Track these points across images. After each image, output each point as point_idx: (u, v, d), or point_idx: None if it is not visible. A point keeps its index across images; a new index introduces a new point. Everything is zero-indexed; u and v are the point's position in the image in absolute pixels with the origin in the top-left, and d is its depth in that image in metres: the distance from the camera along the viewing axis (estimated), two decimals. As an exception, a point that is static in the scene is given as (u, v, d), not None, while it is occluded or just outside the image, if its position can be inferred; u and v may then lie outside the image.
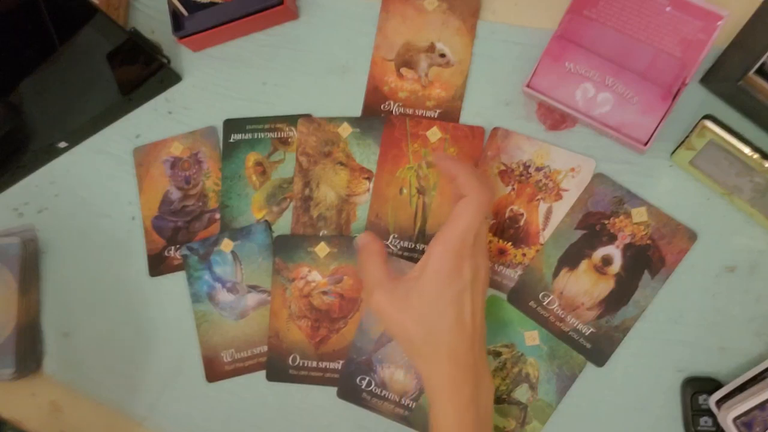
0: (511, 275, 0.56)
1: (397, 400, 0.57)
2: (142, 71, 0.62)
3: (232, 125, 0.63)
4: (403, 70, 0.60)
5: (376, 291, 0.49)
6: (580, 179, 0.56)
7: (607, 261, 0.54)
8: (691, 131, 0.51)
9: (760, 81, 0.47)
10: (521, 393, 0.55)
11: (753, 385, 0.49)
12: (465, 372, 0.47)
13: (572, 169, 0.56)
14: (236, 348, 0.60)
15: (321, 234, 0.60)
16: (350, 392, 0.57)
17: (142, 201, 0.64)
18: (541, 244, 0.56)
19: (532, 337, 0.55)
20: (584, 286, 0.55)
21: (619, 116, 0.53)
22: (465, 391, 0.47)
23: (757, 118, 0.53)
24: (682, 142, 0.52)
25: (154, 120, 0.65)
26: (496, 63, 0.59)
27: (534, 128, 0.57)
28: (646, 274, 0.54)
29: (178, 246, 0.62)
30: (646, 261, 0.54)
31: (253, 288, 0.60)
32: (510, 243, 0.56)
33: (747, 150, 0.49)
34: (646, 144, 0.52)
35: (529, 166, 0.57)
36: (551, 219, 0.56)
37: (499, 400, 0.55)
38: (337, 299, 0.59)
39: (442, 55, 0.60)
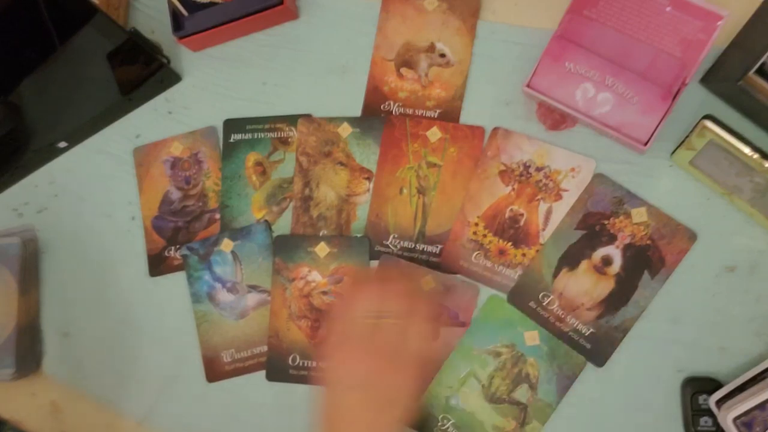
0: (511, 275, 0.56)
1: (397, 400, 0.56)
2: (142, 71, 0.62)
3: (232, 125, 0.63)
4: (403, 70, 0.60)
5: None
6: (580, 179, 0.56)
7: (607, 261, 0.54)
8: (691, 131, 0.51)
9: (760, 81, 0.47)
10: (521, 393, 0.55)
11: (753, 385, 0.49)
12: None
13: (572, 169, 0.56)
14: (236, 348, 0.60)
15: (321, 234, 0.60)
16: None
17: (142, 201, 0.64)
18: (541, 244, 0.56)
19: (532, 337, 0.55)
20: (584, 287, 0.55)
21: (619, 116, 0.53)
22: None
23: (757, 118, 0.53)
24: (682, 142, 0.52)
25: (154, 120, 0.65)
26: (496, 63, 0.59)
27: (534, 128, 0.57)
28: (646, 275, 0.54)
29: (178, 246, 0.62)
30: (646, 261, 0.54)
31: (253, 288, 0.60)
32: (510, 243, 0.56)
33: (747, 150, 0.49)
34: (646, 144, 0.52)
35: (529, 166, 0.57)
36: (551, 219, 0.56)
37: (499, 400, 0.55)
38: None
39: (442, 55, 0.60)
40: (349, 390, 0.46)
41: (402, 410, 0.47)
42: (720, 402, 0.49)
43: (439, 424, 0.56)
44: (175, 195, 0.63)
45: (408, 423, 0.47)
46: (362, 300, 0.48)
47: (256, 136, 0.62)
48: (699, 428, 0.51)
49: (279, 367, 0.59)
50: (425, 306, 0.49)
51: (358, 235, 0.59)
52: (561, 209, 0.56)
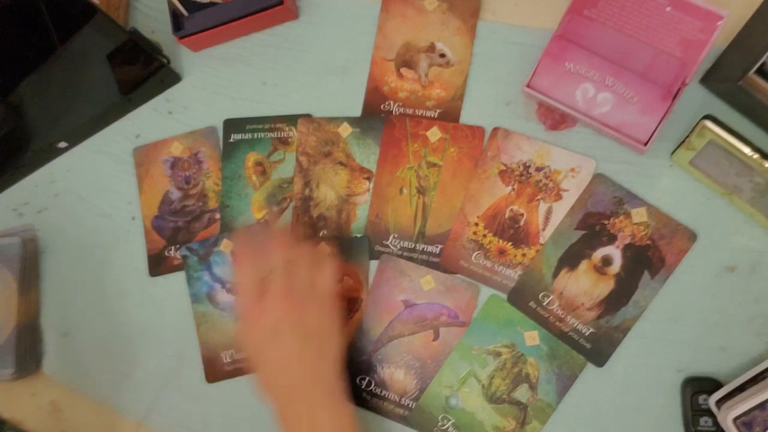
0: (511, 275, 0.56)
1: (397, 400, 0.57)
2: (142, 71, 0.62)
3: (232, 125, 0.63)
4: (403, 70, 0.60)
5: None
6: (580, 179, 0.56)
7: (607, 261, 0.54)
8: (691, 131, 0.51)
9: (760, 81, 0.47)
10: (521, 393, 0.55)
11: (753, 385, 0.49)
12: (288, 416, 0.48)
13: (572, 169, 0.56)
14: (236, 348, 0.60)
15: (321, 234, 0.60)
16: (350, 392, 0.57)
17: (142, 201, 0.64)
18: (541, 244, 0.56)
19: (532, 337, 0.55)
20: (584, 287, 0.55)
21: (619, 116, 0.53)
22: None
23: (757, 118, 0.53)
24: (682, 142, 0.52)
25: (154, 120, 0.65)
26: (496, 63, 0.59)
27: (534, 128, 0.57)
28: (646, 275, 0.54)
29: (178, 246, 0.62)
30: (646, 261, 0.54)
31: (253, 288, 0.60)
32: (510, 243, 0.56)
33: (747, 150, 0.49)
34: (646, 144, 0.52)
35: (529, 166, 0.57)
36: (551, 219, 0.56)
37: (499, 400, 0.55)
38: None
39: (442, 55, 0.60)
40: (277, 338, 0.49)
41: (335, 347, 0.50)
42: (720, 402, 0.49)
43: (439, 424, 0.56)
44: (175, 195, 0.63)
45: (343, 364, 0.51)
46: (255, 259, 0.51)
47: (256, 136, 0.62)
48: (699, 428, 0.51)
49: (279, 367, 0.59)
50: (309, 248, 0.54)
51: (358, 235, 0.59)
52: (561, 209, 0.56)
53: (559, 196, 0.56)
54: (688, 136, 0.52)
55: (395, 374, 0.57)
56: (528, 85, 0.55)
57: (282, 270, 0.50)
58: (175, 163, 0.64)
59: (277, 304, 0.49)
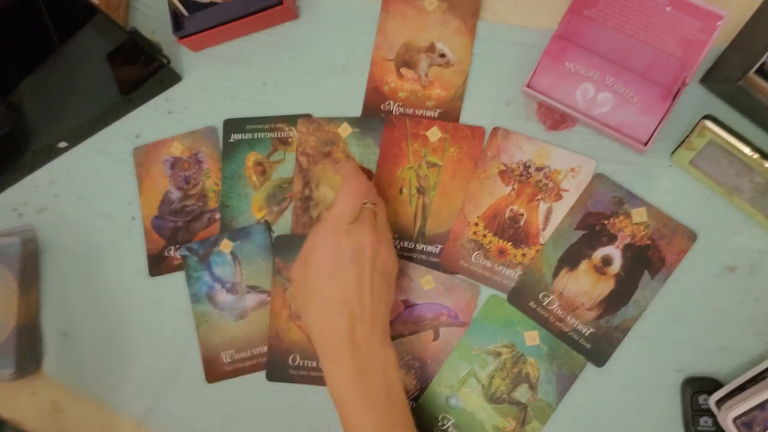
0: (511, 275, 0.56)
1: (397, 400, 0.57)
2: (142, 71, 0.62)
3: (232, 125, 0.63)
4: (403, 70, 0.60)
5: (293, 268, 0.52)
6: (580, 179, 0.56)
7: (607, 261, 0.54)
8: (691, 131, 0.51)
9: (760, 81, 0.47)
10: (521, 393, 0.55)
11: (753, 385, 0.49)
12: (342, 350, 0.47)
13: (572, 169, 0.56)
14: (236, 348, 0.60)
15: (321, 234, 0.60)
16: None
17: (142, 201, 0.64)
18: (541, 244, 0.56)
19: (532, 337, 0.55)
20: (584, 287, 0.55)
21: (619, 116, 0.53)
22: (343, 368, 0.47)
23: (757, 118, 0.53)
24: (682, 142, 0.52)
25: (154, 120, 0.65)
26: (496, 63, 0.59)
27: (534, 128, 0.57)
28: (646, 275, 0.54)
29: (177, 246, 0.62)
30: (646, 261, 0.54)
31: (252, 288, 0.60)
32: (510, 243, 0.56)
33: (747, 150, 0.49)
34: (646, 144, 0.52)
35: (529, 166, 0.57)
36: (551, 219, 0.56)
37: (499, 400, 0.55)
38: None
39: (442, 55, 0.60)
40: (356, 261, 0.49)
41: (392, 293, 0.52)
42: (720, 402, 0.49)
43: (439, 424, 0.56)
44: (175, 195, 0.63)
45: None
46: (361, 188, 0.52)
47: (256, 136, 0.62)
48: (699, 428, 0.51)
49: (279, 367, 0.59)
50: (375, 190, 0.55)
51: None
52: (561, 209, 0.56)
53: (559, 196, 0.56)
54: (688, 136, 0.52)
55: (395, 374, 0.57)
56: (528, 85, 0.55)
57: (373, 209, 0.52)
58: (175, 163, 0.64)
59: (365, 232, 0.49)
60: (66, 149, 0.66)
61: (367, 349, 0.48)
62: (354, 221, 0.50)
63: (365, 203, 0.51)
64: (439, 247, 0.58)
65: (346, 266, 0.49)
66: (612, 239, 0.54)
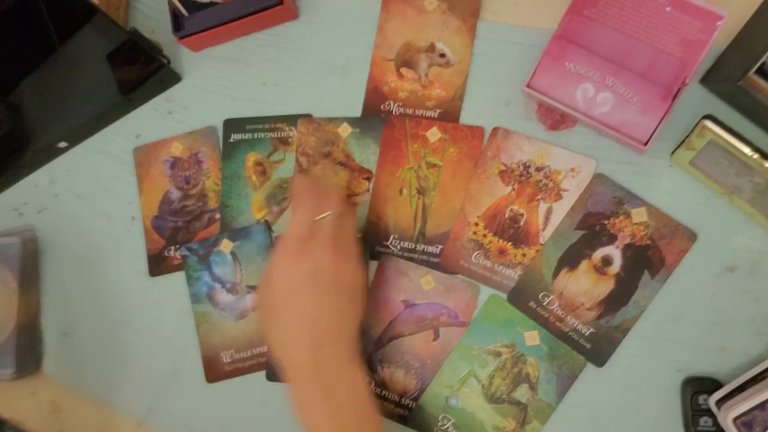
0: (511, 275, 0.56)
1: (397, 400, 0.57)
2: (142, 71, 0.62)
3: (232, 125, 0.63)
4: (403, 70, 0.60)
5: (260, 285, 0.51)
6: (580, 179, 0.56)
7: (607, 261, 0.54)
8: (691, 131, 0.51)
9: (760, 81, 0.47)
10: (521, 393, 0.55)
11: (753, 385, 0.49)
12: (307, 374, 0.46)
13: (572, 169, 0.56)
14: (236, 348, 0.60)
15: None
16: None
17: (142, 201, 0.64)
18: (541, 244, 0.56)
19: (532, 337, 0.55)
20: (584, 287, 0.55)
21: (619, 116, 0.53)
22: (309, 392, 0.46)
23: (757, 118, 0.53)
24: (682, 142, 0.52)
25: (154, 120, 0.65)
26: (496, 63, 0.59)
27: (534, 128, 0.57)
28: (646, 275, 0.54)
29: (177, 246, 0.62)
30: (646, 261, 0.54)
31: (252, 288, 0.60)
32: (510, 243, 0.56)
33: (747, 150, 0.49)
34: (646, 144, 0.52)
35: (529, 166, 0.57)
36: (551, 219, 0.56)
37: (499, 400, 0.55)
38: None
39: (442, 55, 0.60)
40: (315, 283, 0.48)
41: (361, 309, 0.50)
42: (720, 402, 0.49)
43: (439, 424, 0.56)
44: (175, 195, 0.63)
45: (365, 310, 0.51)
46: (313, 203, 0.50)
47: (256, 136, 0.62)
48: (699, 428, 0.51)
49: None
50: (355, 210, 0.54)
51: (358, 236, 0.59)
52: (561, 209, 0.56)
53: (559, 196, 0.56)
54: (688, 136, 0.52)
55: (395, 374, 0.57)
56: (528, 85, 0.55)
57: (332, 221, 0.50)
58: (175, 163, 0.64)
59: (323, 250, 0.48)
60: (66, 149, 0.66)
61: (334, 371, 0.47)
62: (312, 237, 0.48)
63: (323, 216, 0.49)
64: (439, 247, 0.58)
65: (306, 288, 0.47)
66: (612, 239, 0.54)
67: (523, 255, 0.56)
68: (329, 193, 0.52)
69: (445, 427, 0.56)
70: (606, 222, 0.55)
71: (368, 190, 0.59)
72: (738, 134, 0.49)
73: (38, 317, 0.64)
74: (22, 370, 0.61)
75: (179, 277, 0.62)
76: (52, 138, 0.64)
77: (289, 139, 0.62)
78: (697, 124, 0.51)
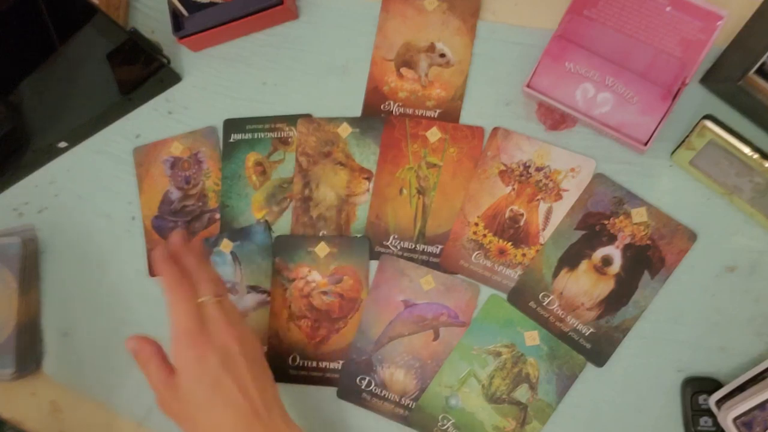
0: (511, 275, 0.56)
1: (397, 400, 0.57)
2: (142, 71, 0.62)
3: (232, 125, 0.63)
4: (403, 70, 0.60)
5: (160, 399, 0.48)
6: (580, 179, 0.56)
7: (607, 261, 0.54)
8: (691, 131, 0.51)
9: (760, 81, 0.47)
10: (521, 393, 0.55)
11: (753, 385, 0.49)
12: None
13: (572, 169, 0.56)
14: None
15: (321, 234, 0.60)
16: (350, 392, 0.57)
17: (142, 201, 0.64)
18: (541, 244, 0.56)
19: (532, 337, 0.55)
20: (584, 287, 0.55)
21: (619, 116, 0.53)
22: None
23: (757, 118, 0.53)
24: (682, 142, 0.52)
25: (154, 120, 0.65)
26: (496, 63, 0.59)
27: (534, 128, 0.57)
28: (646, 275, 0.54)
29: (178, 246, 0.62)
30: (646, 261, 0.54)
31: (252, 288, 0.60)
32: (510, 243, 0.56)
33: (747, 150, 0.49)
34: (646, 144, 0.52)
35: (529, 166, 0.57)
36: (551, 219, 0.56)
37: (499, 400, 0.55)
38: (337, 299, 0.59)
39: (442, 55, 0.60)
40: (230, 365, 0.47)
41: (270, 372, 0.50)
42: (720, 402, 0.49)
43: (439, 424, 0.56)
44: (175, 195, 0.63)
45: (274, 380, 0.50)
46: (187, 290, 0.48)
47: (256, 136, 0.62)
48: (699, 428, 0.51)
49: (279, 367, 0.59)
50: (213, 275, 0.51)
51: (358, 236, 0.59)
52: (561, 209, 0.56)
53: (559, 196, 0.56)
54: (688, 136, 0.52)
55: (395, 374, 0.57)
56: (528, 85, 0.55)
57: (213, 301, 0.49)
58: (175, 163, 0.64)
59: (220, 333, 0.47)
60: (66, 149, 0.66)
61: None
62: (202, 325, 0.47)
63: (202, 300, 0.48)
64: (439, 247, 0.58)
65: (222, 377, 0.46)
66: (612, 239, 0.54)
67: (523, 255, 0.56)
68: (199, 273, 0.50)
69: (445, 427, 0.56)
70: (606, 222, 0.55)
71: (368, 190, 0.59)
72: (738, 134, 0.49)
73: (38, 317, 0.64)
74: (22, 370, 0.61)
75: (179, 277, 0.62)
76: (52, 138, 0.64)
77: (289, 139, 0.62)
78: (697, 124, 0.51)
